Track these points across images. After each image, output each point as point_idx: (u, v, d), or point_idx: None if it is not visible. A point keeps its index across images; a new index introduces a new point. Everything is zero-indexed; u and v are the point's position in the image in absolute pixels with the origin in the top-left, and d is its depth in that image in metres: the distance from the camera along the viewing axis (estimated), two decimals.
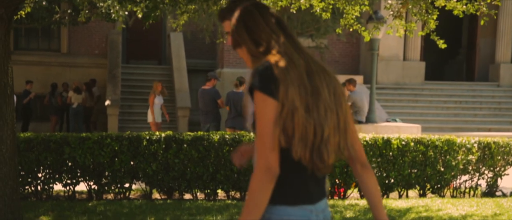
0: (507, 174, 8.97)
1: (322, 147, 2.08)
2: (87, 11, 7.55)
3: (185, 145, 7.85)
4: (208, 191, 8.14)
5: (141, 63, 19.24)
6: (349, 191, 8.54)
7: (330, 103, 2.12)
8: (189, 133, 8.12)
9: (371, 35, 8.49)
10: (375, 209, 2.33)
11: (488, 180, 8.83)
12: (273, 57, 2.09)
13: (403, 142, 8.33)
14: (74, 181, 7.82)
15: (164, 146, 7.81)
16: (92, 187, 7.91)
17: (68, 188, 7.87)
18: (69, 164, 7.67)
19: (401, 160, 8.33)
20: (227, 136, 7.99)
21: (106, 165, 7.72)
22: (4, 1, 4.26)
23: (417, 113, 16.33)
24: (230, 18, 2.26)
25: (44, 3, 10.78)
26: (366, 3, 7.72)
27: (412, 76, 17.89)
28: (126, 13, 6.80)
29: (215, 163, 7.94)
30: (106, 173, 7.81)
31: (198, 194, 8.25)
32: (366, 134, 8.55)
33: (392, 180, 8.44)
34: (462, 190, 8.81)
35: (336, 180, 8.30)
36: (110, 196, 8.06)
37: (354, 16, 8.25)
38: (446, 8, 7.90)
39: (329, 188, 8.35)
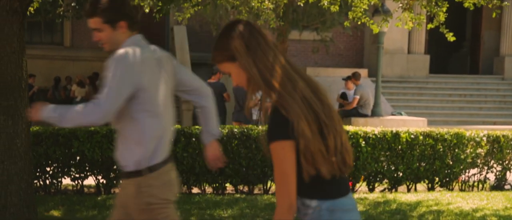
0: None
1: (343, 152, 2.29)
2: None
3: (194, 139, 7.82)
4: (217, 185, 8.11)
5: None
6: (357, 185, 8.50)
7: (328, 112, 2.27)
8: (197, 126, 8.08)
9: (380, 27, 8.44)
10: None
11: (497, 173, 8.80)
12: (277, 91, 2.16)
13: (412, 136, 8.29)
14: (83, 175, 7.79)
15: (172, 140, 7.75)
16: (101, 181, 7.88)
17: (76, 182, 7.84)
18: (78, 158, 7.64)
19: (410, 153, 8.30)
20: (236, 130, 7.96)
21: (114, 159, 7.66)
22: None
23: (422, 107, 16.30)
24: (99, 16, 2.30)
25: None
26: None
27: (416, 69, 17.85)
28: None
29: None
30: (115, 167, 7.78)
31: (206, 188, 8.22)
32: (374, 127, 8.51)
33: (401, 174, 8.41)
34: (471, 183, 8.78)
35: None
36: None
37: (362, 9, 8.21)
38: (456, 0, 7.86)
39: None
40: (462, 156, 8.46)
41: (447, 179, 8.59)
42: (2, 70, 4.18)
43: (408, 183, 8.56)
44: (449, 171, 8.51)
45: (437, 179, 8.58)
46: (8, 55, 4.19)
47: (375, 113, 13.04)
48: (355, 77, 12.90)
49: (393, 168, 8.39)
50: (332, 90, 15.09)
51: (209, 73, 18.73)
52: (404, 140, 8.25)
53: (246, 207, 7.04)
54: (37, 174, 7.62)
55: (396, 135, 8.26)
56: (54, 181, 7.75)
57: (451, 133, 8.43)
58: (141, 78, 2.66)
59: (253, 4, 8.48)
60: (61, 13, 14.10)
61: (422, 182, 8.66)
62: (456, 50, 20.48)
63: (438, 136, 8.38)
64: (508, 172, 8.86)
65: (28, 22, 17.58)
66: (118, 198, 2.86)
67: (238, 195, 7.90)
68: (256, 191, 8.31)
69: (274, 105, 2.16)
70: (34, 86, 17.08)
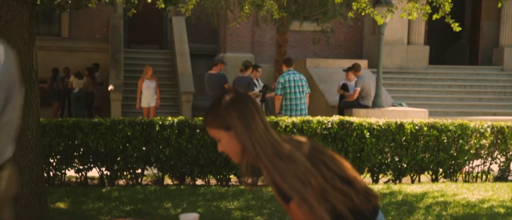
0: None
1: (368, 192, 2.26)
2: None
3: (198, 131, 7.78)
4: (221, 176, 8.09)
5: (142, 48, 19.11)
6: (361, 176, 8.49)
7: (333, 159, 2.24)
8: (201, 118, 8.05)
9: (385, 18, 8.39)
10: None
11: (501, 164, 8.80)
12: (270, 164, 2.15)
13: (417, 127, 8.28)
14: (86, 167, 7.75)
15: (177, 131, 7.74)
16: (104, 173, 7.84)
17: (80, 174, 7.80)
18: (82, 150, 7.59)
19: (414, 144, 8.29)
20: None
21: (118, 150, 7.64)
22: None
23: (422, 97, 16.29)
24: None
25: None
26: None
27: (416, 60, 17.82)
28: None
29: None
30: (118, 159, 7.74)
31: (210, 179, 8.19)
32: (376, 118, 8.49)
33: (405, 165, 8.40)
34: (475, 175, 8.77)
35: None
36: (122, 182, 7.99)
37: (366, 0, 8.16)
38: None
39: None
40: (466, 147, 8.45)
41: (451, 170, 8.58)
42: None
43: (412, 174, 8.55)
44: (453, 162, 8.50)
45: (441, 170, 8.58)
46: (18, 46, 4.13)
47: (376, 104, 13.02)
48: (355, 68, 12.86)
49: (397, 159, 8.38)
50: (332, 80, 15.06)
51: (209, 64, 18.74)
52: (409, 131, 8.23)
53: (252, 198, 7.01)
54: None
55: (401, 126, 8.24)
56: (58, 173, 7.71)
57: (456, 124, 8.42)
58: None
59: None
60: (60, 3, 13.98)
61: (426, 173, 8.65)
62: (455, 41, 20.46)
63: (443, 127, 8.36)
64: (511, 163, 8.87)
65: None
66: None
67: (242, 187, 7.86)
68: (260, 183, 8.26)
69: (271, 178, 2.15)
70: None
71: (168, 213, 6.26)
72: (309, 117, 8.25)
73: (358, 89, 12.52)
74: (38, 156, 4.37)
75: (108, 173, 7.82)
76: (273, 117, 8.28)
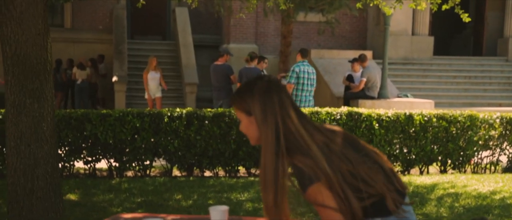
0: None
1: (393, 180, 2.23)
2: None
3: (207, 122, 7.76)
4: (229, 168, 8.06)
5: (145, 38, 19.04)
6: None
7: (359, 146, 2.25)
8: (210, 109, 8.01)
9: (394, 9, 8.34)
10: None
11: (510, 155, 8.77)
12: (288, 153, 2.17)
13: (426, 118, 8.25)
14: (95, 158, 7.72)
15: (185, 123, 7.71)
16: (113, 164, 7.81)
17: (89, 165, 7.78)
18: (90, 141, 7.56)
19: (423, 135, 8.26)
20: None
21: (127, 142, 7.62)
22: None
23: (427, 88, 16.24)
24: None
25: None
26: None
27: (420, 51, 17.76)
28: None
29: (237, 140, 7.85)
30: (127, 150, 7.72)
31: (218, 171, 8.17)
32: (384, 109, 8.46)
33: (414, 156, 8.38)
34: (483, 166, 8.75)
35: None
36: (130, 173, 7.97)
37: None
38: None
39: None
40: (475, 138, 8.42)
41: (460, 161, 8.56)
42: (27, 53, 4.08)
43: (420, 166, 8.53)
44: (462, 153, 8.48)
45: (449, 161, 8.55)
46: (33, 37, 4.09)
47: (382, 95, 12.98)
48: (361, 59, 12.82)
49: (405, 150, 8.35)
50: (337, 72, 15.01)
51: (212, 55, 18.67)
52: (418, 122, 8.20)
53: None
54: None
55: (410, 118, 8.21)
56: (67, 164, 7.68)
57: (465, 116, 8.39)
58: None
59: None
60: None
61: (434, 164, 8.63)
62: (459, 31, 20.40)
63: (452, 118, 8.33)
64: None
65: None
66: None
67: (252, 178, 7.85)
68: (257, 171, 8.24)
69: (292, 163, 2.16)
70: None
71: (179, 204, 6.23)
72: (317, 108, 8.21)
73: (364, 79, 12.48)
74: (53, 147, 4.34)
75: (117, 164, 7.79)
76: None
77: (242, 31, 18.14)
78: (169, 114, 7.68)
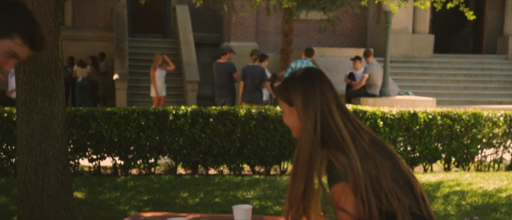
0: None
1: (422, 207, 2.18)
2: None
3: (212, 120, 7.75)
4: (234, 166, 8.06)
5: (146, 36, 19.03)
6: None
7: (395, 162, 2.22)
8: (214, 107, 8.02)
9: (399, 7, 8.34)
10: None
11: None
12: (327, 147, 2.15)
13: (430, 116, 8.26)
14: (100, 156, 7.72)
15: (190, 120, 7.71)
16: (118, 162, 7.81)
17: (93, 163, 7.77)
18: (95, 139, 7.55)
19: (427, 133, 8.27)
20: (254, 111, 7.89)
21: (132, 140, 7.61)
22: None
23: (428, 86, 16.27)
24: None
25: None
26: None
27: (421, 49, 17.77)
28: None
29: (241, 137, 7.85)
30: (132, 148, 7.71)
31: (223, 169, 8.17)
32: (387, 107, 8.47)
33: (418, 154, 8.39)
34: (487, 164, 8.76)
35: None
36: (135, 171, 7.96)
37: None
38: None
39: None
40: (479, 136, 8.43)
41: (464, 159, 8.57)
42: (38, 51, 4.07)
43: (424, 164, 8.54)
44: (465, 151, 8.49)
45: (453, 159, 8.57)
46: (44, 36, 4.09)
47: (383, 93, 13.00)
48: (366, 54, 12.84)
49: (409, 148, 8.36)
50: (338, 70, 15.03)
51: (212, 53, 18.67)
52: (422, 120, 8.21)
53: (267, 188, 6.99)
54: None
55: (414, 116, 8.22)
56: (72, 162, 7.67)
57: (469, 114, 8.40)
58: None
59: None
60: None
61: (438, 162, 8.64)
62: (459, 30, 20.42)
63: (456, 116, 8.34)
64: None
65: None
66: None
67: (257, 176, 7.85)
68: (272, 172, 8.27)
69: (328, 158, 2.14)
70: None
71: (186, 202, 6.24)
72: None
73: (367, 75, 12.49)
74: (64, 145, 4.33)
75: (122, 162, 7.79)
76: None
77: (243, 29, 18.14)
78: (174, 112, 7.68)
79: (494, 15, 19.12)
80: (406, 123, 8.20)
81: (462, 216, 5.65)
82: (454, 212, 5.80)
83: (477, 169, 8.67)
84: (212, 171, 8.16)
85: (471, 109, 8.67)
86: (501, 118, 8.48)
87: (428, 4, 8.15)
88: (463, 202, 6.17)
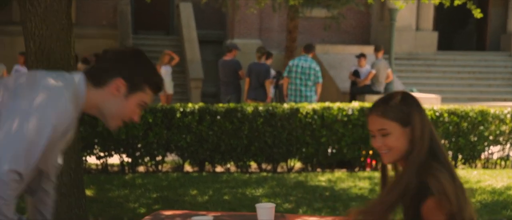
0: None
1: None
2: None
3: (219, 117, 7.75)
4: (241, 163, 8.06)
5: (149, 34, 19.01)
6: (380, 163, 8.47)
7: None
8: (222, 104, 8.01)
9: (406, 3, 8.34)
10: None
11: None
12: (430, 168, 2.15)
13: (437, 113, 8.25)
14: (107, 153, 7.71)
15: (197, 118, 7.70)
16: (125, 160, 7.80)
17: (101, 161, 7.77)
18: (103, 136, 7.55)
19: None
20: (261, 108, 7.89)
21: (140, 137, 7.61)
22: None
23: (432, 84, 16.25)
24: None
25: None
26: None
27: (424, 46, 17.76)
28: None
29: (249, 135, 7.84)
30: (139, 146, 7.71)
31: (230, 166, 8.17)
32: None
33: None
34: (493, 161, 8.76)
35: (370, 152, 8.23)
36: (142, 169, 7.96)
37: None
38: None
39: (362, 159, 8.29)
40: (486, 133, 8.43)
41: (471, 156, 8.57)
42: (51, 48, 4.07)
43: None
44: (473, 148, 8.49)
45: (460, 156, 8.56)
46: (57, 33, 4.08)
47: (388, 90, 12.96)
48: (376, 49, 12.82)
49: None
50: (342, 67, 15.02)
51: (215, 50, 18.66)
52: (429, 117, 8.19)
53: (276, 185, 7.00)
54: None
55: None
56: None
57: (476, 111, 8.40)
58: None
59: None
60: None
61: None
62: (462, 27, 20.40)
63: (463, 113, 8.34)
64: None
65: None
66: None
67: (264, 174, 7.85)
68: (279, 169, 8.26)
69: (424, 179, 2.12)
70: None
71: (195, 200, 6.24)
72: (328, 103, 8.20)
73: (374, 71, 12.48)
74: (76, 143, 4.32)
75: (129, 160, 7.79)
76: (293, 104, 8.23)
77: (246, 26, 18.12)
78: (181, 109, 7.68)
79: (497, 12, 19.10)
80: None
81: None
82: None
83: (484, 167, 8.66)
84: (218, 169, 8.16)
85: (478, 106, 8.67)
86: (508, 116, 8.47)
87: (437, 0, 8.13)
88: (473, 200, 6.16)
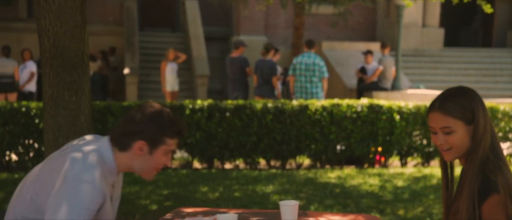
0: None
1: None
2: None
3: (228, 114, 7.75)
4: (250, 160, 8.07)
5: (155, 31, 19.02)
6: (390, 159, 8.48)
7: None
8: (231, 101, 8.01)
9: (414, 1, 8.31)
10: None
11: None
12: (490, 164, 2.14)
13: None
14: None
15: (207, 115, 7.71)
16: None
17: None
18: None
19: None
20: (270, 105, 7.89)
21: None
22: None
23: (439, 80, 16.22)
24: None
25: None
26: None
27: (431, 43, 17.72)
28: None
29: (258, 132, 7.85)
30: None
31: (238, 163, 8.17)
32: (401, 101, 8.45)
33: (432, 149, 8.37)
34: None
35: (379, 149, 8.23)
36: None
37: None
38: None
39: (371, 156, 8.28)
40: (496, 130, 8.39)
41: None
42: (65, 45, 4.08)
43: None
44: None
45: None
46: (71, 30, 4.09)
47: (395, 87, 12.96)
48: (383, 46, 12.81)
49: (425, 142, 8.34)
50: (349, 63, 15.00)
51: (221, 47, 18.66)
52: None
53: (285, 182, 7.00)
54: None
55: None
56: None
57: None
58: None
59: None
60: None
61: None
62: (468, 23, 20.34)
63: None
64: None
65: None
66: None
67: (274, 171, 7.85)
68: (287, 166, 8.27)
69: (485, 173, 2.12)
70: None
71: (206, 197, 6.25)
72: (337, 100, 8.20)
73: (381, 68, 12.47)
74: None
75: None
76: (302, 100, 8.23)
77: (252, 23, 18.10)
78: (190, 106, 7.68)
79: (503, 8, 19.05)
80: (423, 117, 8.18)
81: None
82: None
83: None
84: (227, 165, 8.17)
85: (487, 103, 8.63)
86: None
87: None
88: None
